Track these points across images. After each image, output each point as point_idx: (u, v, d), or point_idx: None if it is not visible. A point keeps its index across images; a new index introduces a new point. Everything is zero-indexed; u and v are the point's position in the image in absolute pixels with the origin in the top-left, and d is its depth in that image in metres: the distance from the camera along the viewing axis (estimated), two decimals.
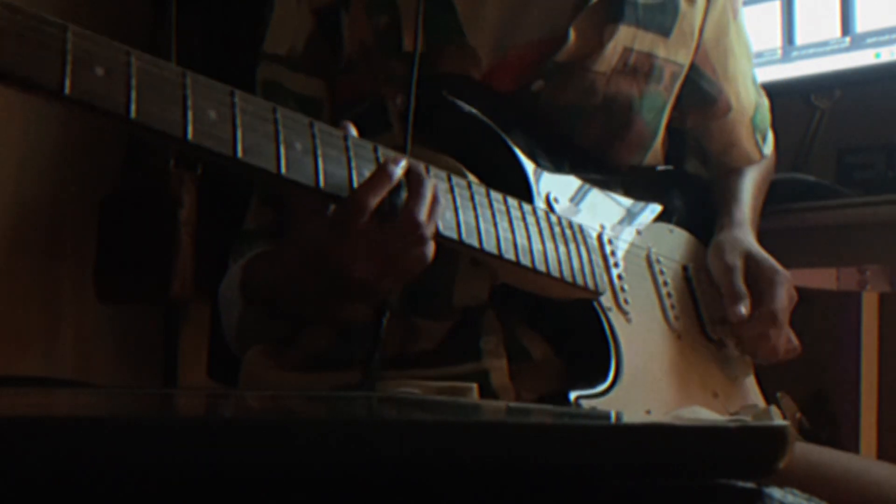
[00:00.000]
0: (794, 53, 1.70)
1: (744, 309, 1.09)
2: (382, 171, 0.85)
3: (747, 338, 1.14)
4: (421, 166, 0.89)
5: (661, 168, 1.24)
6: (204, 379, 2.02)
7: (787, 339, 1.13)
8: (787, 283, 1.12)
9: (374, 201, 0.84)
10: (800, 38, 1.69)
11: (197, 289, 2.04)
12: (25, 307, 2.17)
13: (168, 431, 0.42)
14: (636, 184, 1.18)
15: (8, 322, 2.12)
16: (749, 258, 1.15)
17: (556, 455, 0.47)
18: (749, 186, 1.29)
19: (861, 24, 1.62)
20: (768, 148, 1.36)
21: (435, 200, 0.87)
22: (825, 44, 1.65)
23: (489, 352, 1.04)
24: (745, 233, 1.20)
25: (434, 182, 0.88)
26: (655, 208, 1.20)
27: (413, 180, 0.86)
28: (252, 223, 1.15)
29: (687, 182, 1.28)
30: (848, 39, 1.63)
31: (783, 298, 1.11)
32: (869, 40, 1.61)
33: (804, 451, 1.02)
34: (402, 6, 1.08)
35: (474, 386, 1.00)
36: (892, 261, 1.62)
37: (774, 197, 1.38)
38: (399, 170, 0.86)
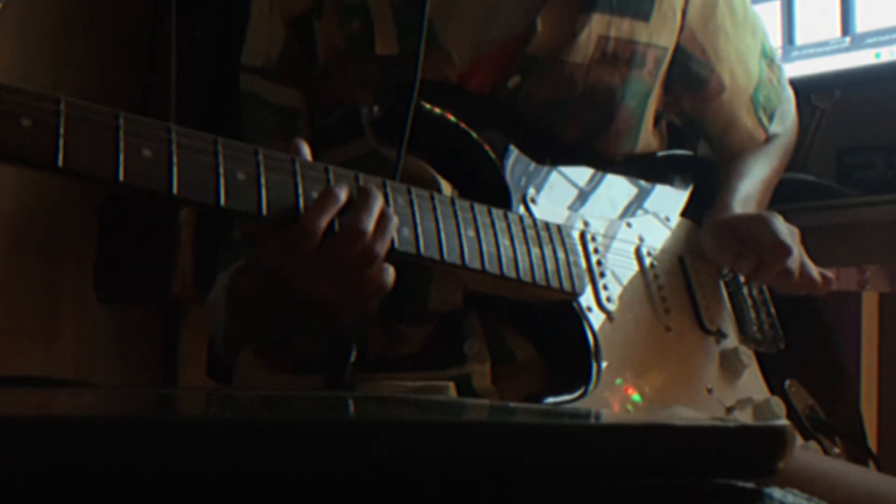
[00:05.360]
0: (794, 53, 1.70)
1: (750, 261, 1.10)
2: (328, 194, 0.85)
3: (775, 283, 1.14)
4: (373, 184, 0.89)
5: (661, 154, 1.23)
6: (203, 378, 2.02)
7: (805, 267, 1.13)
8: (775, 218, 1.12)
9: (322, 223, 0.84)
10: (800, 38, 1.69)
11: (197, 289, 2.04)
12: (25, 307, 2.17)
13: (168, 431, 0.42)
14: (629, 173, 1.17)
15: (8, 322, 2.12)
16: (733, 222, 1.15)
17: (557, 455, 0.47)
18: (746, 172, 1.26)
19: (861, 24, 1.62)
20: (779, 126, 1.32)
21: (383, 216, 0.87)
22: (825, 44, 1.65)
23: (473, 356, 1.04)
24: (728, 213, 1.19)
25: (381, 203, 0.87)
26: (653, 197, 1.19)
27: (361, 196, 0.86)
28: (239, 232, 1.15)
29: (693, 168, 1.26)
30: (848, 39, 1.63)
31: (779, 229, 1.10)
32: (869, 40, 1.61)
33: (813, 460, 1.02)
34: (374, 10, 1.08)
35: (450, 384, 1.00)
36: (892, 261, 1.62)
37: (775, 197, 1.38)
38: (342, 191, 0.85)
